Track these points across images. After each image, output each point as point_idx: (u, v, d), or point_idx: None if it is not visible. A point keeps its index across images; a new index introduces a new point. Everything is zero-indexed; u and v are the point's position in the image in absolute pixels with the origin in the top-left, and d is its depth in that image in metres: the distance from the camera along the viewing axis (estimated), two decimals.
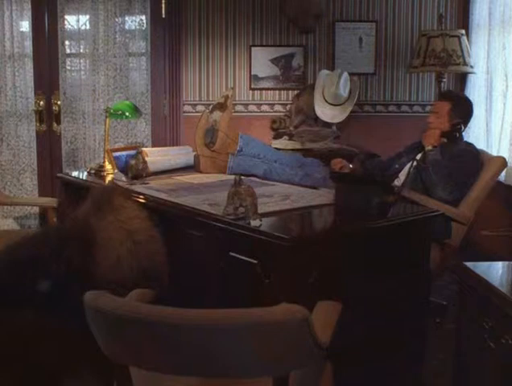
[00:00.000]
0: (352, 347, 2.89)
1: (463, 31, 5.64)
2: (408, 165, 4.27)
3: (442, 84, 5.77)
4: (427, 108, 6.17)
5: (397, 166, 4.56)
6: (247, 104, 6.35)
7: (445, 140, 4.37)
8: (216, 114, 4.36)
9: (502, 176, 4.99)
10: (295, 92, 6.29)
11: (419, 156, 4.34)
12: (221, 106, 4.40)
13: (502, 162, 4.42)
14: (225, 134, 4.32)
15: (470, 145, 4.49)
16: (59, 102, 6.09)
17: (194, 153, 4.56)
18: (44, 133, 6.11)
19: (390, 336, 3.18)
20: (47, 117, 6.09)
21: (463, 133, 4.45)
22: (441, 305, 4.46)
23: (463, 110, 4.46)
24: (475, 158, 4.35)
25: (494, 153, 5.17)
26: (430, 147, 4.36)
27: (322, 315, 2.37)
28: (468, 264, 2.89)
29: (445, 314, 4.43)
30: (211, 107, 4.50)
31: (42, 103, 6.04)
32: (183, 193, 3.68)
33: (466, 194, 4.23)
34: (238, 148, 4.32)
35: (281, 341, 1.93)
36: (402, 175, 4.27)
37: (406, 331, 3.27)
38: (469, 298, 2.86)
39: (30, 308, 2.87)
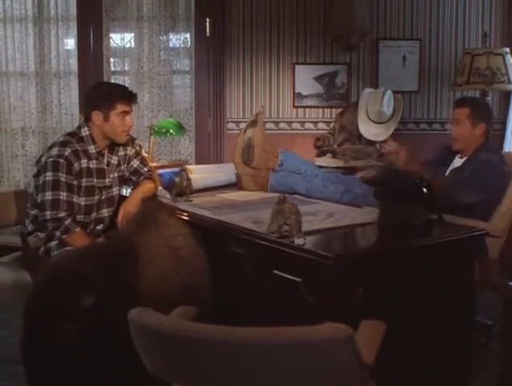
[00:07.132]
0: (396, 367, 2.87)
1: (507, 49, 5.60)
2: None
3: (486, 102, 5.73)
4: None
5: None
6: (291, 122, 6.37)
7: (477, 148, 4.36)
8: (250, 131, 4.36)
9: None
10: (339, 109, 6.29)
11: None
12: (253, 123, 4.41)
13: None
14: (262, 149, 4.31)
15: (495, 153, 4.42)
16: None
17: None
18: None
19: (434, 355, 3.15)
20: None
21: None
22: (486, 325, 4.41)
23: (483, 112, 4.46)
24: (502, 173, 4.27)
25: None
26: (466, 157, 4.37)
27: (366, 334, 2.36)
28: None
29: (490, 334, 4.38)
30: (244, 126, 4.50)
31: None
32: (226, 211, 3.69)
33: (490, 208, 4.18)
34: (279, 162, 4.31)
35: (325, 360, 1.92)
36: None
37: (450, 351, 3.24)
38: None
39: (74, 323, 2.89)
